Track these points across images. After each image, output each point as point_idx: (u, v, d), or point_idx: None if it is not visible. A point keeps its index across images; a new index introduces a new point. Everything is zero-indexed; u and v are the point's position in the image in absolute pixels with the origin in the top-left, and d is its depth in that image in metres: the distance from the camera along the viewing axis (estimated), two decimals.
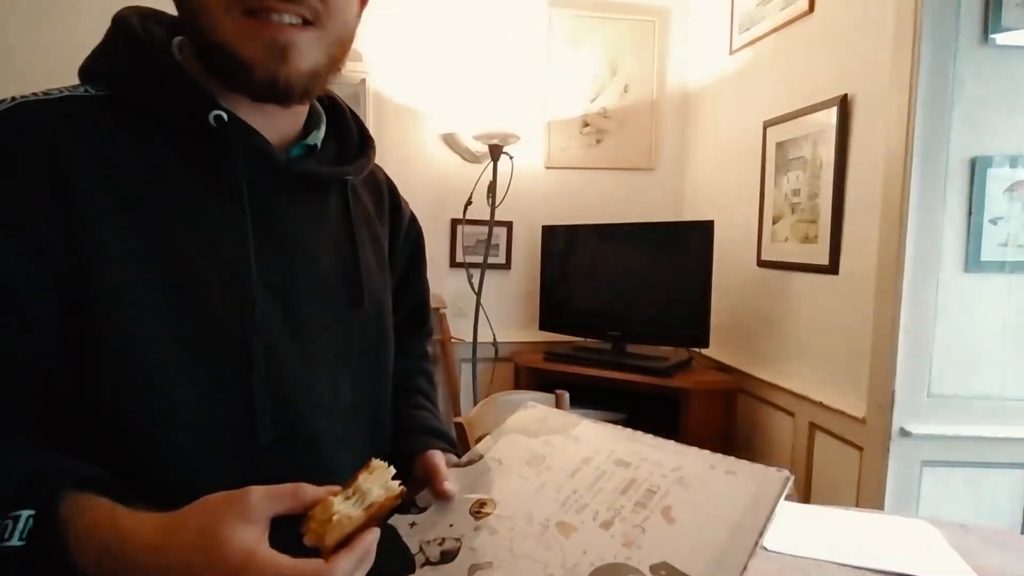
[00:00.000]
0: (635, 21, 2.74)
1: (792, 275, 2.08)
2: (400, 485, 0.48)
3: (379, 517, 0.46)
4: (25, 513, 0.40)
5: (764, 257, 2.24)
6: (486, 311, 2.55)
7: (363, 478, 0.46)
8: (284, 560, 0.40)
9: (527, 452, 0.69)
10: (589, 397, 2.40)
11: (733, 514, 0.55)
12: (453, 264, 2.67)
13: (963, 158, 1.52)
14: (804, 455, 1.97)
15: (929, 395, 1.59)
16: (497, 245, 2.67)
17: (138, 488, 0.47)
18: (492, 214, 2.46)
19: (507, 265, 2.73)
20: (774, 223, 2.17)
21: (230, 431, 0.52)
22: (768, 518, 0.55)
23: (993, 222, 1.52)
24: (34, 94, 0.52)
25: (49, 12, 2.24)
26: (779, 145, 2.14)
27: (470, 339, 2.50)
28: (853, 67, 1.79)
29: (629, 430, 0.70)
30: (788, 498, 1.74)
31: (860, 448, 1.72)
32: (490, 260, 2.55)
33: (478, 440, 0.77)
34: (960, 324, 1.56)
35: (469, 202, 2.54)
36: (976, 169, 1.51)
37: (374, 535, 0.45)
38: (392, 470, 0.48)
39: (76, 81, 0.56)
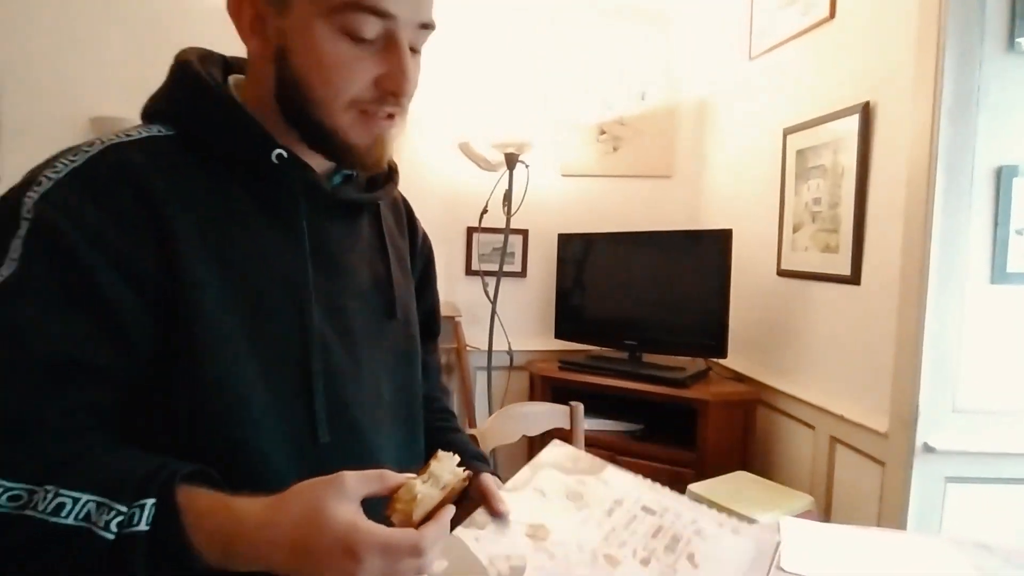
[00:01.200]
0: (653, 28, 2.73)
1: (813, 285, 2.05)
2: (465, 470, 0.56)
3: (451, 497, 0.55)
4: (149, 502, 0.46)
5: (784, 266, 2.20)
6: (501, 319, 2.54)
7: (435, 465, 0.54)
8: (385, 529, 0.47)
9: (564, 487, 0.79)
10: (604, 407, 2.38)
11: (743, 565, 0.70)
12: (469, 272, 2.67)
13: (989, 167, 1.48)
14: (825, 470, 1.93)
15: (954, 409, 1.55)
16: (513, 253, 2.67)
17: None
18: (507, 222, 2.46)
19: (523, 273, 2.72)
20: (794, 232, 2.14)
21: (296, 432, 0.59)
22: (768, 571, 0.70)
23: (1020, 232, 1.48)
24: (116, 135, 0.57)
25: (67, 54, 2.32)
26: (799, 153, 2.11)
27: (485, 347, 2.50)
28: (875, 74, 1.76)
29: (649, 480, 0.82)
30: (807, 515, 1.68)
31: (882, 463, 1.68)
32: (506, 268, 2.54)
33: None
34: (986, 337, 1.51)
35: (485, 210, 2.54)
36: (1002, 178, 1.47)
37: (450, 511, 0.53)
38: (456, 458, 0.56)
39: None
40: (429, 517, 0.51)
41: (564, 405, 1.57)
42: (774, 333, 2.27)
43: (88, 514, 0.46)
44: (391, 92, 0.58)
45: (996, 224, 1.49)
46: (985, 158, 1.48)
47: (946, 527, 1.57)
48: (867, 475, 1.74)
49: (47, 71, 2.41)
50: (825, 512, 1.90)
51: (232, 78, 0.65)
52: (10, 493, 0.46)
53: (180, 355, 0.54)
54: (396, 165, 0.77)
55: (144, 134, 0.58)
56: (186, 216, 0.55)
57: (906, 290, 1.60)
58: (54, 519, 0.45)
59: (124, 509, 0.46)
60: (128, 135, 0.57)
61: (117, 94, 2.43)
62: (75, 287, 0.49)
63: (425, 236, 0.89)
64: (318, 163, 0.64)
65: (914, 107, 1.56)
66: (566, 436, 1.55)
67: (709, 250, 2.26)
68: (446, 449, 0.79)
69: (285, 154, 0.59)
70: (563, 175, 2.72)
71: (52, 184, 0.51)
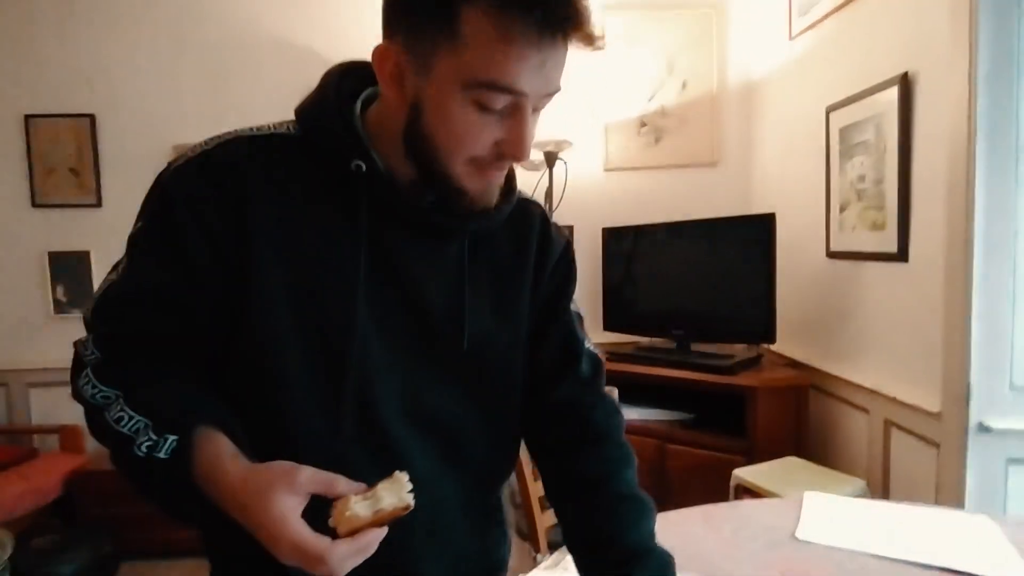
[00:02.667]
0: (691, 16, 2.72)
1: (862, 265, 1.99)
2: (413, 499, 0.56)
3: (385, 520, 0.55)
4: (172, 438, 0.57)
5: (833, 248, 2.14)
6: None
7: (382, 486, 0.55)
8: (305, 531, 0.53)
9: None
10: (654, 396, 2.39)
11: None
12: None
13: None
14: (880, 454, 1.87)
15: (1011, 387, 1.48)
16: None
17: (253, 437, 0.61)
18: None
19: None
20: (841, 211, 2.08)
21: (327, 418, 0.64)
22: None
23: None
24: (250, 128, 0.66)
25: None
26: (842, 130, 2.05)
27: None
28: (912, 43, 1.70)
29: None
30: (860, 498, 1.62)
31: (937, 445, 1.62)
32: None
33: None
34: None
35: None
36: None
37: (377, 534, 0.55)
38: (409, 484, 0.56)
39: None
40: (358, 532, 0.54)
41: None
42: (826, 317, 2.21)
43: (137, 430, 0.58)
44: (509, 156, 0.62)
45: None
46: None
47: (1010, 510, 1.50)
48: (923, 458, 1.68)
49: (135, 108, 2.71)
50: (882, 497, 1.84)
51: (368, 92, 0.69)
52: (102, 394, 0.61)
53: (238, 317, 0.62)
54: (514, 189, 0.74)
55: (272, 131, 0.67)
56: (269, 205, 0.63)
57: (952, 264, 1.54)
58: (115, 426, 0.59)
59: (155, 437, 0.57)
60: (259, 130, 0.67)
61: (194, 123, 2.71)
62: (172, 237, 0.61)
63: (565, 251, 0.81)
64: (414, 176, 0.65)
65: (951, 74, 1.51)
66: None
67: (753, 235, 2.23)
68: (618, 535, 0.70)
69: (363, 167, 0.63)
70: (606, 170, 2.75)
71: (183, 161, 0.63)
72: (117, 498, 2.34)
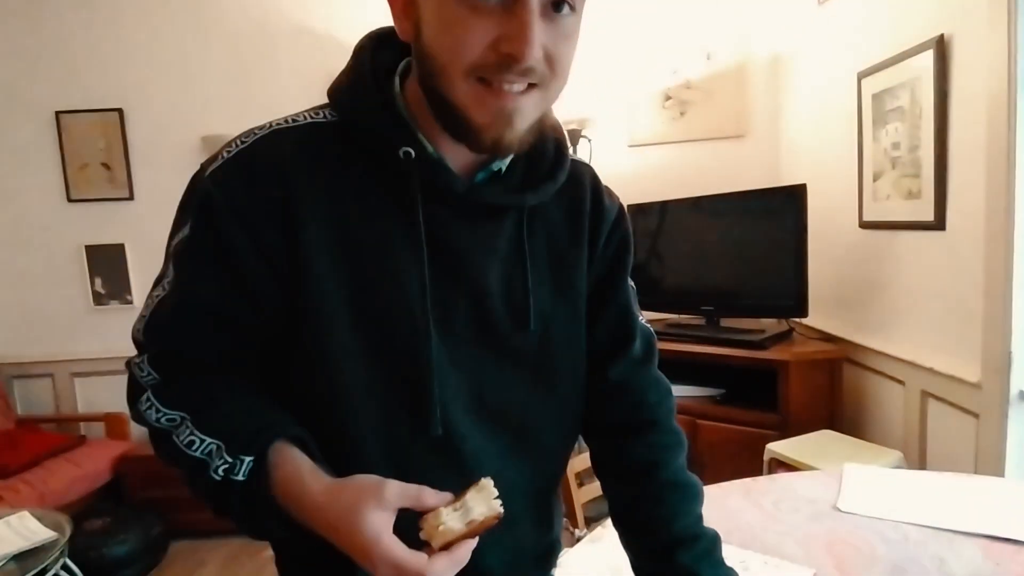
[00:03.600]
0: None
1: (897, 235, 1.95)
2: (501, 506, 0.54)
3: (478, 531, 0.54)
4: (248, 459, 0.55)
5: (866, 218, 2.11)
6: None
7: (470, 495, 0.54)
8: (400, 548, 0.51)
9: None
10: (685, 373, 2.39)
11: None
12: None
13: None
14: (917, 425, 1.85)
15: None
16: None
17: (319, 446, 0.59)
18: None
19: None
20: (874, 181, 2.04)
21: (396, 424, 0.61)
22: None
23: None
24: (286, 119, 0.61)
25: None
26: (875, 97, 2.00)
27: None
28: (948, 3, 1.65)
29: None
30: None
31: (976, 415, 1.60)
32: None
33: None
34: None
35: None
36: None
37: (470, 546, 0.54)
38: (495, 491, 0.54)
39: None
40: (451, 545, 0.53)
41: None
42: (859, 288, 2.18)
43: (209, 453, 0.56)
44: (509, 55, 0.51)
45: None
46: None
47: None
48: (961, 428, 1.66)
49: (163, 101, 2.75)
50: (919, 468, 1.83)
51: (405, 63, 0.63)
52: (167, 417, 0.59)
53: (297, 325, 0.59)
54: (566, 156, 0.69)
55: (309, 119, 0.61)
56: (318, 204, 0.58)
57: (992, 231, 1.50)
58: (186, 450, 0.57)
59: (230, 459, 0.55)
60: (295, 120, 0.61)
61: (222, 115, 2.74)
62: (220, 250, 0.57)
63: (619, 218, 0.75)
64: (463, 156, 0.61)
65: (989, 36, 1.46)
66: None
67: (784, 207, 2.20)
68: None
69: (413, 153, 0.58)
70: (630, 145, 2.73)
71: (221, 162, 0.58)
72: (164, 480, 2.43)
